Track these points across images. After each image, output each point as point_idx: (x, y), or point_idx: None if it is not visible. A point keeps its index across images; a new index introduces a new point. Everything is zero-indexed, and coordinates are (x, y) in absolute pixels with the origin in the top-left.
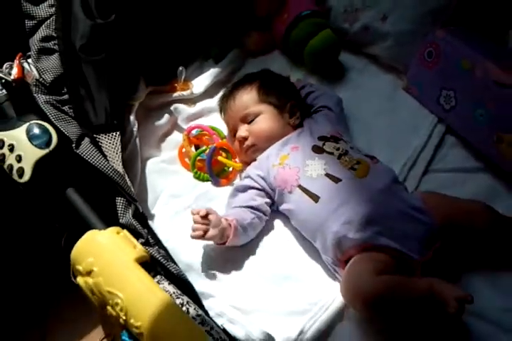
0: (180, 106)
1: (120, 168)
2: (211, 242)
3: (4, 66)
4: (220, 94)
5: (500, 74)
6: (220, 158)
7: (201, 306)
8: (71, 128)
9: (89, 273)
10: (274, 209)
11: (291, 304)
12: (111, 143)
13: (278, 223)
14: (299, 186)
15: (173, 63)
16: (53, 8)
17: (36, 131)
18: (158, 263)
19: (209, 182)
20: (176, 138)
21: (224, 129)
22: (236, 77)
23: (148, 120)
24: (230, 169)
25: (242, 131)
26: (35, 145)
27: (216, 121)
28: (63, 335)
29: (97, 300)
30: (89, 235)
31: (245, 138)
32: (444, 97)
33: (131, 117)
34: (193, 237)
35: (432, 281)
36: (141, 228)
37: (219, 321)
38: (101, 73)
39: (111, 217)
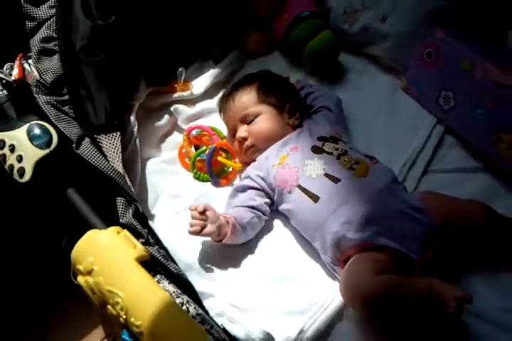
0: (180, 106)
1: (120, 168)
2: (211, 242)
3: (5, 67)
4: (220, 94)
5: (500, 75)
6: (219, 158)
7: (201, 305)
8: (71, 128)
9: (89, 272)
10: (273, 209)
11: (291, 303)
12: (111, 144)
13: (277, 223)
14: (299, 186)
15: (173, 64)
16: (54, 10)
17: (37, 131)
18: (158, 263)
19: (209, 183)
20: (176, 138)
21: (224, 130)
22: (236, 78)
23: (148, 120)
24: (230, 169)
25: (242, 131)
26: (36, 146)
27: (216, 122)
28: (64, 335)
29: (98, 300)
30: (90, 235)
31: (245, 139)
32: (443, 98)
33: (132, 118)
34: (190, 233)
35: (431, 281)
36: (142, 228)
37: (219, 320)
38: (101, 74)
39: (111, 216)
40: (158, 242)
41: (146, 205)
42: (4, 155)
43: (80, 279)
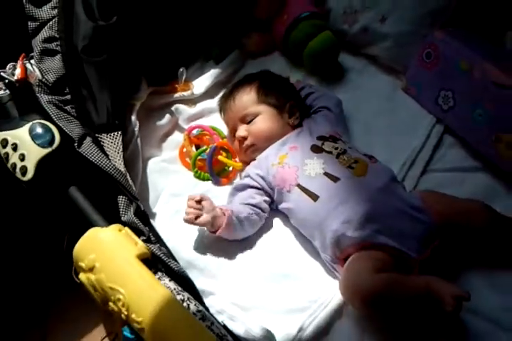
0: (181, 106)
1: (122, 167)
2: (212, 240)
3: (8, 67)
4: (221, 94)
5: (499, 75)
6: (220, 157)
7: (202, 303)
8: (73, 127)
9: (91, 269)
10: (273, 208)
11: (291, 301)
12: (112, 143)
13: (278, 222)
14: (298, 185)
15: (174, 64)
16: (56, 10)
17: (39, 130)
18: (159, 260)
19: (209, 182)
20: (177, 138)
21: (224, 129)
22: (236, 78)
23: (149, 120)
24: (231, 168)
25: (242, 131)
26: (38, 145)
27: (216, 121)
28: (64, 334)
29: (99, 297)
30: (92, 232)
31: (244, 138)
32: (443, 98)
33: (133, 117)
34: (185, 221)
35: (429, 279)
36: (143, 226)
37: (219, 318)
38: (103, 74)
39: (113, 215)
40: (159, 240)
41: (147, 204)
42: (7, 154)
43: (82, 276)
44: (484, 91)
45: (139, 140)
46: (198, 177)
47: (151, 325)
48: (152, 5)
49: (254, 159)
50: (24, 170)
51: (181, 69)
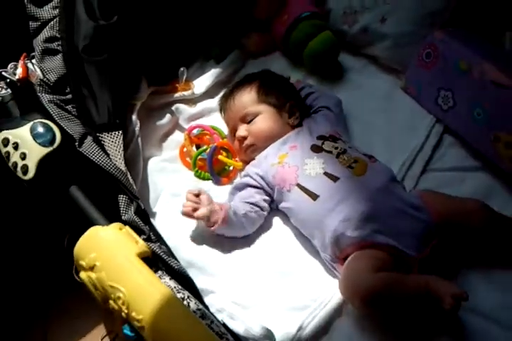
0: (182, 106)
1: (122, 166)
2: (212, 239)
3: (9, 66)
4: (221, 94)
5: (499, 75)
6: (220, 157)
7: (202, 301)
8: (74, 127)
9: (92, 267)
10: (273, 208)
11: (291, 300)
12: (113, 142)
13: (278, 221)
14: (298, 185)
15: (174, 64)
16: (57, 10)
17: (40, 129)
18: (159, 259)
19: (210, 181)
20: (177, 137)
21: (225, 129)
22: (237, 78)
23: (149, 120)
24: (231, 168)
25: (242, 130)
26: (39, 144)
27: (217, 121)
28: (65, 333)
29: (100, 295)
30: (92, 231)
31: (244, 138)
32: (442, 98)
33: (133, 117)
34: (182, 213)
35: (428, 279)
36: (143, 225)
37: (219, 316)
38: (103, 73)
39: (113, 213)
40: (159, 239)
41: (147, 203)
42: (8, 153)
43: (83, 275)
44: (483, 91)
45: (139, 139)
46: (199, 176)
47: (151, 323)
48: (153, 5)
49: (254, 158)
50: (25, 169)
51: (182, 69)
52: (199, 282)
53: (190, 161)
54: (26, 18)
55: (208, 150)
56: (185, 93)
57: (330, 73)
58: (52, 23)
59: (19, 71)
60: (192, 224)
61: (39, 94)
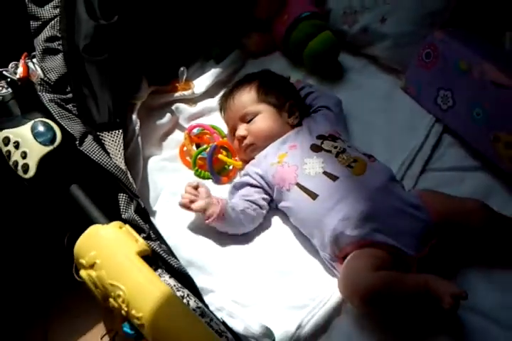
0: (182, 105)
1: (122, 165)
2: (211, 239)
3: (10, 65)
4: (221, 93)
5: (498, 75)
6: (220, 156)
7: (201, 300)
8: (75, 126)
9: (92, 266)
10: (273, 207)
11: (290, 299)
12: (113, 141)
13: (277, 220)
14: (297, 184)
15: (174, 63)
16: (57, 10)
17: (41, 128)
18: (159, 258)
19: (210, 180)
20: (177, 137)
21: (224, 128)
22: (237, 77)
23: (150, 119)
24: (231, 167)
25: (241, 130)
26: (40, 143)
27: (217, 120)
28: (65, 332)
29: (100, 293)
30: (93, 229)
31: (244, 137)
32: (442, 97)
33: (134, 116)
34: (179, 205)
35: (427, 278)
36: (143, 223)
37: (218, 315)
38: (104, 73)
39: (113, 212)
40: (159, 238)
41: (147, 202)
42: (9, 152)
43: (83, 273)
44: (483, 91)
45: (139, 138)
46: (199, 175)
47: (150, 320)
48: (153, 4)
49: (254, 158)
50: (26, 168)
51: (182, 69)
52: (199, 281)
53: (190, 160)
54: (27, 17)
55: (208, 149)
56: (186, 92)
57: (330, 73)
58: (53, 22)
59: (20, 70)
60: (192, 224)
61: (40, 94)
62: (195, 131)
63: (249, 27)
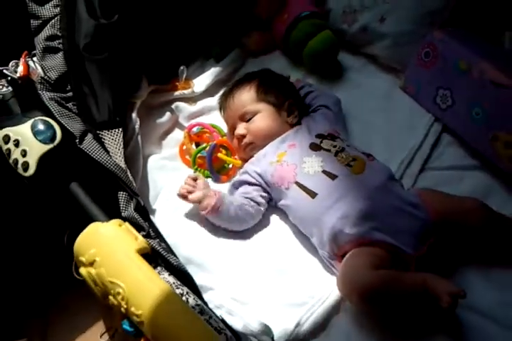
0: (182, 104)
1: (122, 163)
2: (210, 237)
3: (10, 64)
4: (221, 92)
5: (498, 74)
6: (220, 155)
7: (200, 297)
8: (75, 124)
9: (91, 263)
10: (272, 205)
11: (289, 297)
12: (113, 140)
13: (276, 219)
14: (296, 183)
15: (174, 62)
16: (58, 9)
17: (41, 126)
18: (158, 255)
19: (209, 179)
20: (177, 135)
21: (224, 127)
22: (237, 77)
23: (149, 118)
24: (230, 166)
25: (241, 129)
26: (40, 141)
27: (217, 119)
28: (64, 329)
29: (100, 291)
30: (92, 227)
31: (243, 136)
32: (441, 97)
33: (133, 115)
34: (177, 194)
35: (426, 277)
36: (143, 221)
37: (218, 312)
38: (104, 72)
39: (113, 210)
40: (158, 235)
41: (147, 201)
42: (9, 150)
43: (83, 270)
44: (482, 91)
45: (139, 137)
46: None
47: (150, 318)
48: (153, 4)
49: (253, 157)
50: (26, 166)
51: (182, 68)
52: (198, 279)
53: (190, 159)
54: (27, 16)
55: (208, 148)
56: (185, 91)
57: (329, 72)
58: (53, 21)
59: (20, 69)
60: (191, 222)
61: (40, 92)
62: (194, 129)
63: (249, 26)
